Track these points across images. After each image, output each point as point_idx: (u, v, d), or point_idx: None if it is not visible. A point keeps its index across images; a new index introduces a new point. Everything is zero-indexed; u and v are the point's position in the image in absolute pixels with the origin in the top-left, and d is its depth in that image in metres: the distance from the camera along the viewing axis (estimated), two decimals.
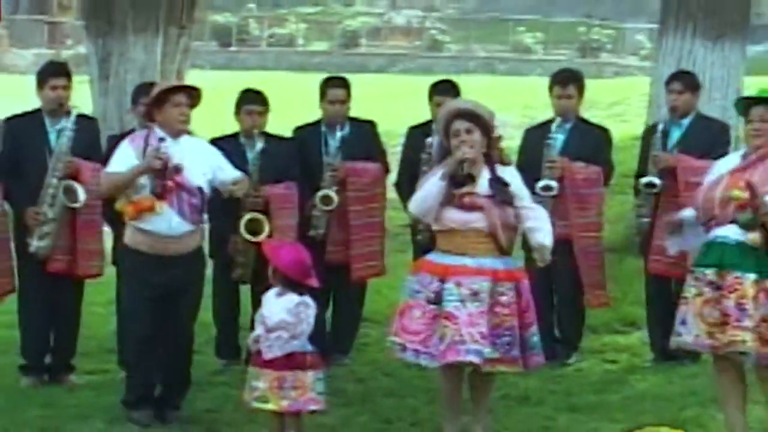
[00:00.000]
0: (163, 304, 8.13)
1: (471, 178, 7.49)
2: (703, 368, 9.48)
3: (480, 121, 7.59)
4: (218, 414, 8.45)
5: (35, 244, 9.27)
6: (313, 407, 7.59)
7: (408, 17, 45.24)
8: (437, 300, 7.44)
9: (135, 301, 8.27)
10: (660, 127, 9.83)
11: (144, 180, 7.97)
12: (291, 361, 7.57)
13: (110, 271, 10.03)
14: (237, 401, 8.17)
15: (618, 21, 42.42)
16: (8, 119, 9.77)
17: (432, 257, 7.69)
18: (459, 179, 7.49)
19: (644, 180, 9.63)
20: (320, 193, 9.81)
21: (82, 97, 15.75)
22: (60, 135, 9.39)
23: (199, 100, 8.38)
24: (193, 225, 8.15)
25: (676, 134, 9.74)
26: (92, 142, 9.63)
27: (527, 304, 7.57)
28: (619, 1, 50.43)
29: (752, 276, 7.21)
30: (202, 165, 8.22)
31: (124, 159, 8.13)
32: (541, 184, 9.63)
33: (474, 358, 7.31)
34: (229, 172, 8.40)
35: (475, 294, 7.37)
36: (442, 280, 7.46)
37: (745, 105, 7.69)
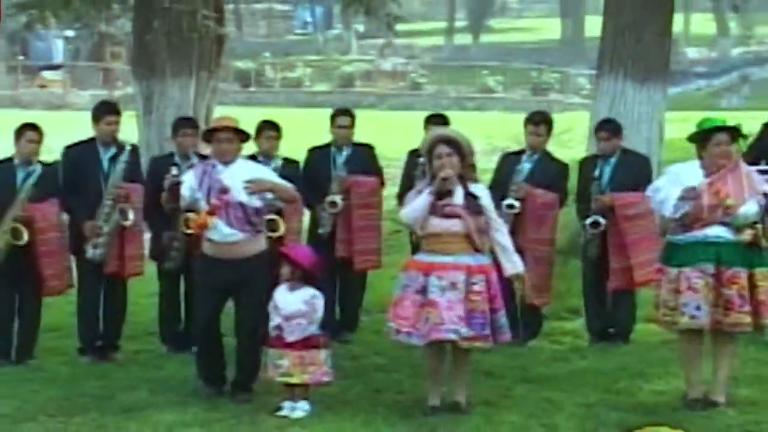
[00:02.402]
0: (224, 299, 8.11)
1: (450, 193, 7.55)
2: (631, 348, 9.51)
3: (459, 147, 7.63)
4: None
5: (91, 251, 9.38)
6: (326, 379, 7.75)
7: (394, 63, 45.21)
8: (423, 291, 7.48)
9: (200, 294, 8.26)
10: (596, 173, 9.79)
11: (201, 199, 8.01)
12: (309, 343, 7.69)
13: (152, 270, 10.12)
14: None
15: (563, 67, 42.45)
16: (67, 147, 9.81)
17: (418, 257, 7.75)
18: (440, 194, 7.53)
19: (589, 220, 9.66)
20: (328, 199, 10.01)
21: (130, 129, 15.79)
22: (114, 163, 9.50)
23: (246, 136, 8.37)
24: (245, 233, 8.01)
25: (607, 172, 9.77)
26: (137, 169, 9.78)
27: (495, 293, 7.59)
28: (564, 51, 50.53)
29: (746, 270, 7.51)
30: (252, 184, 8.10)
31: (188, 184, 8.20)
32: (506, 202, 9.66)
33: (452, 336, 7.38)
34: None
35: (453, 285, 7.43)
36: (427, 275, 7.50)
37: (704, 134, 7.75)
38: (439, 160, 7.58)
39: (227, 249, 7.99)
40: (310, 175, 10.18)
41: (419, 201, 7.61)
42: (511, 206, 9.70)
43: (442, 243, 7.56)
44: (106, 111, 9.75)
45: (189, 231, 8.69)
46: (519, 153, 10.16)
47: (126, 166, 9.47)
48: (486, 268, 7.61)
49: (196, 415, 7.66)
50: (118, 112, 9.78)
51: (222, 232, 7.96)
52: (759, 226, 7.55)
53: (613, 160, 9.78)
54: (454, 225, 7.55)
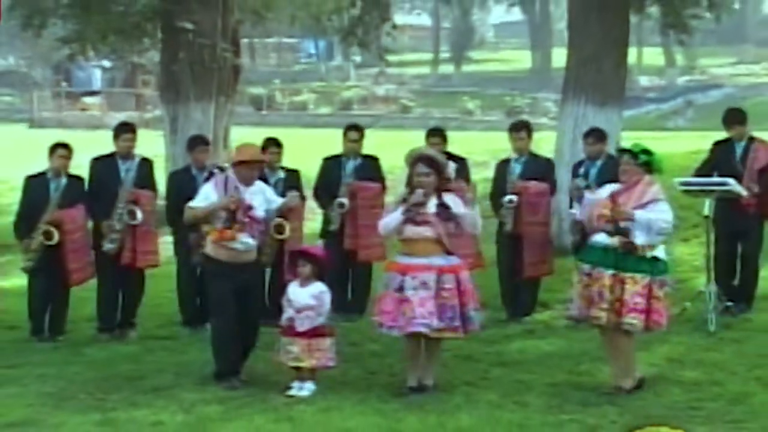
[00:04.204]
0: (239, 298, 8.00)
1: (423, 204, 7.58)
2: (592, 335, 9.47)
3: (436, 165, 7.64)
4: (254, 369, 8.38)
5: (107, 245, 9.74)
6: (330, 364, 7.80)
7: (386, 89, 45.23)
8: (400, 289, 7.51)
9: (220, 296, 7.96)
10: (581, 170, 9.99)
11: (223, 214, 7.90)
12: (316, 332, 7.74)
13: (171, 268, 10.27)
14: (267, 360, 8.14)
15: (533, 92, 42.51)
16: (93, 160, 10.12)
17: (397, 259, 7.75)
18: (415, 205, 7.59)
19: (573, 210, 9.70)
20: (337, 201, 10.31)
21: (158, 146, 15.80)
22: (127, 173, 9.83)
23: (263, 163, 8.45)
24: (256, 242, 8.08)
25: (593, 171, 9.90)
26: (148, 177, 10.05)
27: (465, 289, 7.61)
28: (534, 79, 50.59)
29: (610, 271, 7.44)
30: (262, 201, 8.12)
31: (207, 197, 8.02)
32: (506, 198, 10.06)
33: (423, 329, 7.43)
34: (275, 200, 8.35)
35: (424, 284, 7.47)
36: (403, 275, 7.54)
37: (620, 153, 7.94)
38: (418, 177, 7.64)
39: (241, 255, 7.96)
40: (323, 181, 10.51)
41: (393, 219, 7.67)
42: (510, 201, 10.03)
43: (416, 246, 7.58)
44: (123, 130, 10.08)
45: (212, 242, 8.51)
46: (508, 160, 10.39)
47: (136, 175, 9.81)
48: (456, 268, 7.63)
49: (215, 394, 7.67)
50: (133, 131, 10.10)
51: (246, 242, 7.94)
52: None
53: (599, 162, 9.89)
54: (425, 231, 7.57)
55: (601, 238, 7.55)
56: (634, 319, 7.43)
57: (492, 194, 10.41)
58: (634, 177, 7.60)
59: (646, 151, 7.63)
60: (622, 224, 7.40)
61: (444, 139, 10.36)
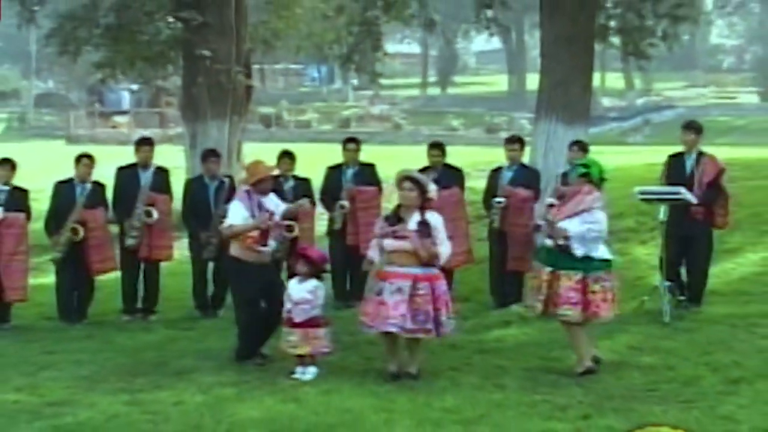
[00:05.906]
0: (266, 294, 8.01)
1: (402, 220, 7.56)
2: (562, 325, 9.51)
3: (418, 184, 7.62)
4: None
5: (128, 241, 10.08)
6: (325, 350, 7.77)
7: (381, 109, 45.34)
8: (380, 293, 7.50)
9: (248, 294, 8.01)
10: (561, 170, 10.50)
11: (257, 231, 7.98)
12: (312, 323, 7.69)
13: (187, 267, 10.41)
14: (274, 347, 8.13)
15: (510, 112, 42.60)
16: (118, 169, 10.45)
17: (383, 267, 7.64)
18: (394, 222, 7.60)
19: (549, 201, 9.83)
20: (339, 203, 10.53)
21: (180, 159, 15.77)
22: (146, 179, 10.16)
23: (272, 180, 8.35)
24: (277, 244, 8.29)
25: (573, 175, 9.89)
26: (163, 183, 10.32)
27: (439, 296, 7.54)
28: (510, 100, 50.70)
29: (548, 269, 7.60)
30: (273, 207, 8.17)
31: (240, 213, 7.94)
32: (495, 200, 10.32)
33: (394, 329, 7.42)
34: (280, 205, 8.34)
35: (399, 289, 7.43)
36: (384, 281, 7.52)
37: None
38: (402, 192, 7.63)
39: (265, 256, 8.04)
40: (328, 187, 10.70)
41: (372, 251, 7.66)
42: (499, 202, 10.28)
43: (395, 257, 7.53)
44: (142, 143, 10.44)
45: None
46: (501, 167, 10.62)
47: (153, 181, 10.12)
48: (432, 277, 7.55)
49: (230, 377, 7.66)
50: (151, 144, 10.43)
51: (271, 245, 8.08)
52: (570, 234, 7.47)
53: None
54: (404, 244, 7.51)
55: (550, 242, 7.66)
56: (568, 311, 7.54)
57: (485, 196, 10.67)
58: (578, 186, 7.71)
59: (585, 165, 7.78)
60: (561, 242, 7.47)
61: (443, 152, 10.53)
